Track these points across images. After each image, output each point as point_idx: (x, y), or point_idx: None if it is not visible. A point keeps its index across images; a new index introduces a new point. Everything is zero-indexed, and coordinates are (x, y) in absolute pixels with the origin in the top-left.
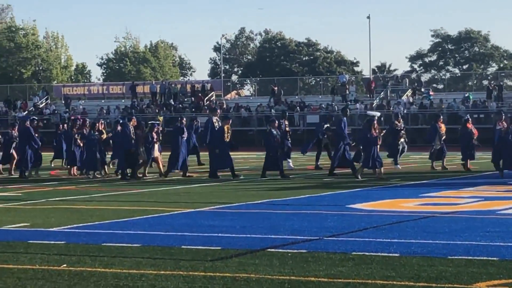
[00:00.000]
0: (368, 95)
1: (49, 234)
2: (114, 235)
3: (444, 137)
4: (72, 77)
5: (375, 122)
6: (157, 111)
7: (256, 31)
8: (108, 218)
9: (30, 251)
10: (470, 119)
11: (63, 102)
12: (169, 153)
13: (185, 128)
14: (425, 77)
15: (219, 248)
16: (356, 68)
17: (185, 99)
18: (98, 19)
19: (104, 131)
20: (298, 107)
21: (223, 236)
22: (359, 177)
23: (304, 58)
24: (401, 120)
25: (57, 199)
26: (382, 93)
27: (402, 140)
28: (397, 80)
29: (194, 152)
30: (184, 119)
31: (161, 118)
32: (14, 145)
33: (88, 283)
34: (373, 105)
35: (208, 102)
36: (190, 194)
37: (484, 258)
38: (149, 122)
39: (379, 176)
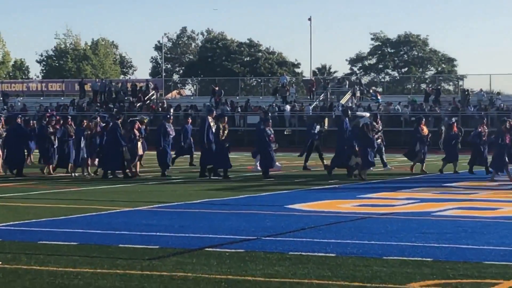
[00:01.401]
0: (309, 97)
1: None
2: (50, 233)
3: (427, 140)
4: (10, 73)
5: (369, 123)
6: (96, 109)
7: (198, 30)
8: (45, 216)
9: None
10: (423, 120)
11: (1, 98)
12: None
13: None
14: (365, 80)
15: (157, 247)
16: (297, 70)
17: (126, 98)
18: (38, 15)
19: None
20: (239, 108)
21: (161, 235)
22: (364, 178)
23: (245, 59)
24: (379, 122)
25: None
26: (322, 95)
27: (379, 141)
28: (338, 82)
29: (188, 152)
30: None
31: (146, 120)
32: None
33: (23, 280)
34: (312, 107)
35: (148, 101)
36: (129, 193)
37: (419, 258)
38: (129, 120)
39: (362, 176)
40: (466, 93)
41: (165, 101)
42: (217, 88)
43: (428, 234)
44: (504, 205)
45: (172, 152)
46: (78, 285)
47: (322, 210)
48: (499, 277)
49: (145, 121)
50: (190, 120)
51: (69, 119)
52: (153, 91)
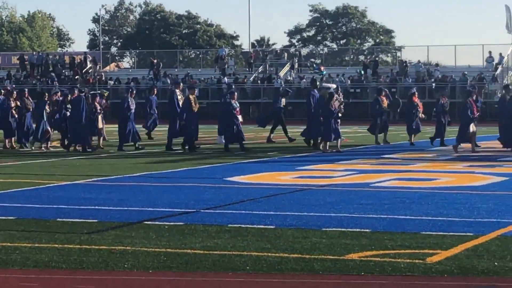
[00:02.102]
0: (247, 69)
1: None
2: None
3: (421, 113)
4: None
5: (335, 95)
6: (34, 82)
7: (135, 2)
8: None
9: None
10: (416, 93)
11: None
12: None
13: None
14: (303, 52)
15: (96, 221)
16: (235, 42)
17: (63, 71)
18: None
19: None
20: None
21: (99, 209)
22: (327, 151)
23: (184, 31)
24: (340, 94)
25: None
26: (261, 67)
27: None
28: (276, 54)
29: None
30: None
31: (106, 93)
32: None
33: None
34: (251, 79)
35: (85, 74)
36: (67, 167)
37: (357, 230)
38: (90, 93)
39: (338, 149)
40: (404, 64)
41: (103, 74)
42: (155, 61)
43: (367, 205)
44: (441, 176)
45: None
46: (16, 260)
47: (261, 183)
48: (436, 247)
49: (105, 95)
50: (155, 91)
51: (26, 92)
52: (91, 64)
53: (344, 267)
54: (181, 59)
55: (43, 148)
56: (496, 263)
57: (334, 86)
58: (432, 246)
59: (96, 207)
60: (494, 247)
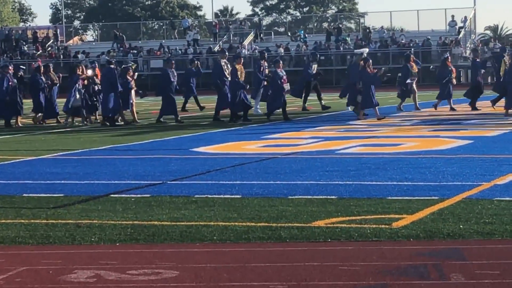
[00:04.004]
0: (212, 39)
1: None
2: None
3: (415, 77)
4: None
5: (370, 60)
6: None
7: None
8: None
9: None
10: (449, 57)
11: None
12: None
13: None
14: (267, 21)
15: (62, 195)
16: (199, 12)
17: (26, 46)
18: None
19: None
20: (142, 52)
21: (65, 183)
22: (363, 118)
23: (146, 3)
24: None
25: None
26: (225, 37)
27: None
28: (240, 24)
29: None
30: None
31: (134, 66)
32: None
33: None
34: (216, 49)
35: (49, 48)
36: (32, 142)
37: (323, 197)
38: (123, 66)
39: (377, 117)
40: (368, 30)
41: (67, 47)
42: (119, 33)
43: (332, 172)
44: (406, 141)
45: None
46: None
47: (227, 152)
48: (402, 212)
49: (133, 67)
50: (173, 64)
51: (50, 67)
52: (54, 38)
53: (311, 234)
54: (144, 30)
55: (85, 122)
56: (461, 226)
57: (366, 50)
58: (398, 211)
59: (62, 181)
60: (459, 210)
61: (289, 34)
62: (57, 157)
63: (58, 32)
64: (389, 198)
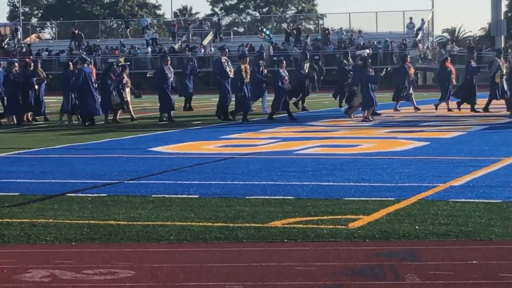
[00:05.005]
0: (170, 38)
1: None
2: None
3: (412, 79)
4: None
5: (368, 59)
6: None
7: None
8: None
9: None
10: (449, 58)
11: None
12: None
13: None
14: (226, 20)
15: (17, 194)
16: (158, 11)
17: None
18: None
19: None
20: (100, 50)
21: (21, 182)
22: (370, 118)
23: (105, 1)
24: (350, 60)
25: None
26: (184, 36)
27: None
28: (199, 24)
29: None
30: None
31: (122, 59)
32: None
33: None
34: (176, 49)
35: (6, 45)
36: None
37: (280, 197)
38: (120, 64)
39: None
40: (326, 32)
41: (23, 45)
42: (77, 32)
43: (290, 173)
44: (363, 142)
45: None
46: None
47: (185, 152)
48: (359, 212)
49: (122, 61)
50: (169, 60)
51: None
52: (11, 36)
53: (268, 234)
54: (102, 29)
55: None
56: (417, 227)
57: (367, 51)
58: (354, 211)
59: (18, 180)
60: (415, 211)
61: (258, 30)
62: (13, 156)
63: (20, 30)
64: (346, 198)
